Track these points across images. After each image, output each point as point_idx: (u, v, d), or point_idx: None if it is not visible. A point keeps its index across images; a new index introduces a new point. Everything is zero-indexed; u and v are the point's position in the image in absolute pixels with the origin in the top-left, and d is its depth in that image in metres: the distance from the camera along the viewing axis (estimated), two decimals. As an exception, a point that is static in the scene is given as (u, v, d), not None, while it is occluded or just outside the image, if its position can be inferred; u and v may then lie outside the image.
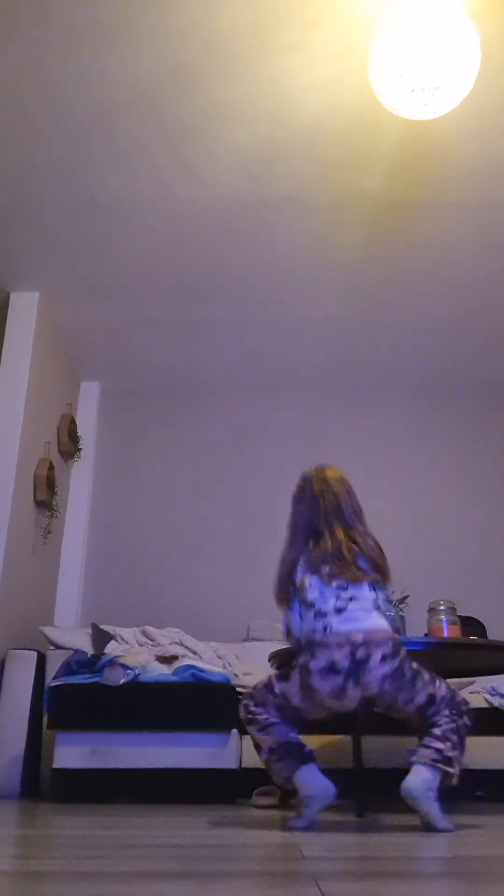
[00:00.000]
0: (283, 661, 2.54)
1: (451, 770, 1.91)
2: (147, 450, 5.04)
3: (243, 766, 3.03)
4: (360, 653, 1.96)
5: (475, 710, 3.29)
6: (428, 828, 1.85)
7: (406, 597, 3.11)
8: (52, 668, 3.43)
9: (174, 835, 1.80)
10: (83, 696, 3.02)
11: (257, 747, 2.12)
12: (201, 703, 3.01)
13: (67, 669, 3.18)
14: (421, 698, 2.01)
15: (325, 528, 2.17)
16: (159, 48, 2.77)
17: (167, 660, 3.36)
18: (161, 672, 3.18)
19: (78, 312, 4.38)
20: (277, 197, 3.49)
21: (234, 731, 3.03)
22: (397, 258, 3.90)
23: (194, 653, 3.63)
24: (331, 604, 2.04)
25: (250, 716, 2.11)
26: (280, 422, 5.05)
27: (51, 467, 4.18)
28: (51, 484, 4.16)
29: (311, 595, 2.07)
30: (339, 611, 2.02)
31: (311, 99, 2.97)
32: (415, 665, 2.04)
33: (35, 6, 2.62)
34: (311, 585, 2.08)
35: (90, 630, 3.79)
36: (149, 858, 1.40)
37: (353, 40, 2.70)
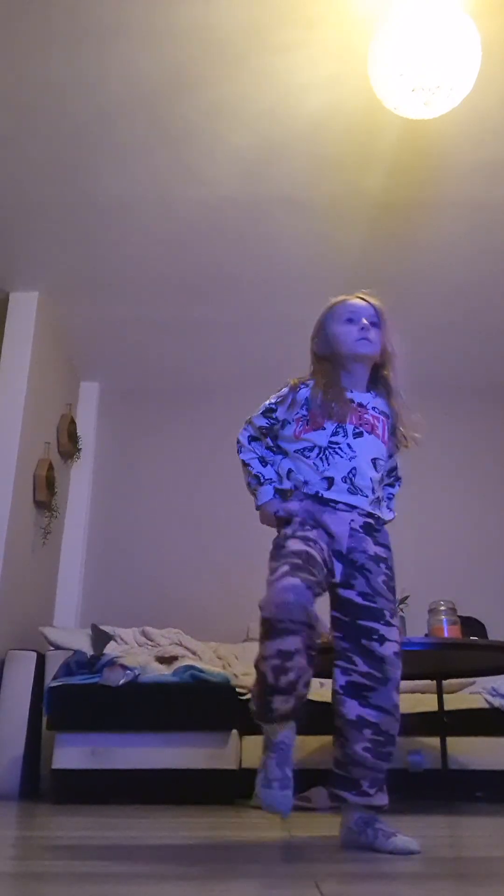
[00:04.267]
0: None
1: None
2: (147, 450, 5.04)
3: (243, 766, 3.03)
4: None
5: (475, 710, 3.33)
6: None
7: (406, 597, 3.11)
8: (51, 669, 3.43)
9: (174, 835, 1.80)
10: (83, 697, 3.02)
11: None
12: (201, 703, 3.01)
13: (67, 670, 3.18)
14: None
15: None
16: (159, 48, 2.77)
17: (167, 660, 3.36)
18: (160, 673, 3.17)
19: (78, 312, 4.38)
20: (277, 197, 3.48)
21: (234, 731, 3.03)
22: (397, 258, 3.90)
23: (194, 653, 3.62)
24: None
25: None
26: (280, 422, 5.04)
27: (50, 468, 4.18)
28: (50, 484, 4.15)
29: None
30: None
31: (311, 99, 2.97)
32: None
33: (35, 7, 2.62)
34: None
35: (90, 630, 3.79)
36: (149, 859, 1.39)
37: (353, 40, 2.70)
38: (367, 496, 1.70)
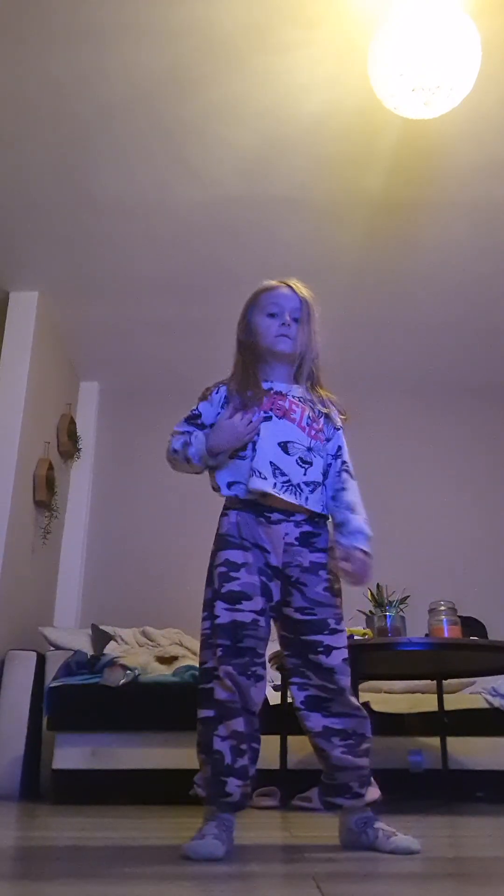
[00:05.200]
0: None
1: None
2: (147, 450, 5.02)
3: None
4: None
5: (475, 710, 3.33)
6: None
7: (406, 597, 3.11)
8: (51, 669, 3.43)
9: (174, 836, 1.80)
10: (83, 697, 3.02)
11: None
12: (201, 703, 3.01)
13: (67, 670, 3.18)
14: None
15: None
16: (159, 48, 2.76)
17: (167, 660, 3.36)
18: (160, 673, 3.17)
19: (78, 312, 4.38)
20: (277, 196, 3.48)
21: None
22: (397, 258, 3.90)
23: (194, 653, 3.62)
24: None
25: None
26: (280, 422, 5.04)
27: (50, 467, 4.18)
28: (50, 484, 4.15)
29: None
30: None
31: (312, 98, 2.96)
32: None
33: (35, 6, 2.62)
34: None
35: (90, 630, 3.79)
36: (148, 859, 1.39)
37: (353, 39, 2.70)
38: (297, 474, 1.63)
